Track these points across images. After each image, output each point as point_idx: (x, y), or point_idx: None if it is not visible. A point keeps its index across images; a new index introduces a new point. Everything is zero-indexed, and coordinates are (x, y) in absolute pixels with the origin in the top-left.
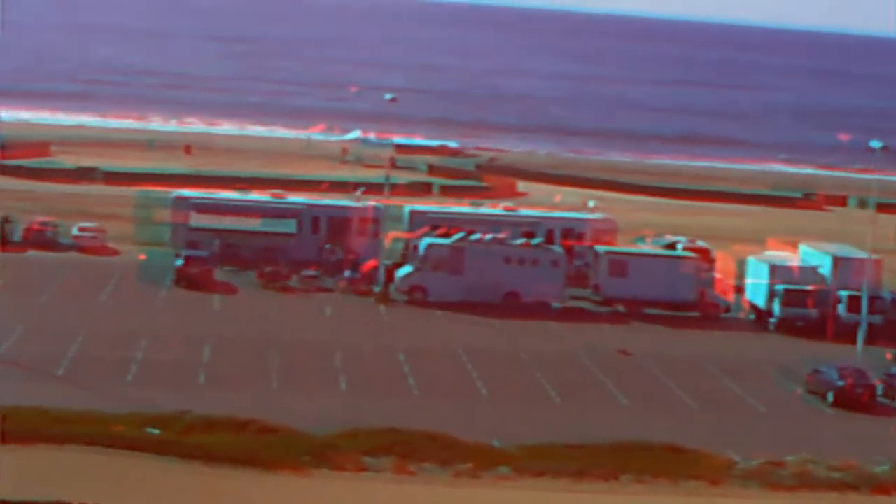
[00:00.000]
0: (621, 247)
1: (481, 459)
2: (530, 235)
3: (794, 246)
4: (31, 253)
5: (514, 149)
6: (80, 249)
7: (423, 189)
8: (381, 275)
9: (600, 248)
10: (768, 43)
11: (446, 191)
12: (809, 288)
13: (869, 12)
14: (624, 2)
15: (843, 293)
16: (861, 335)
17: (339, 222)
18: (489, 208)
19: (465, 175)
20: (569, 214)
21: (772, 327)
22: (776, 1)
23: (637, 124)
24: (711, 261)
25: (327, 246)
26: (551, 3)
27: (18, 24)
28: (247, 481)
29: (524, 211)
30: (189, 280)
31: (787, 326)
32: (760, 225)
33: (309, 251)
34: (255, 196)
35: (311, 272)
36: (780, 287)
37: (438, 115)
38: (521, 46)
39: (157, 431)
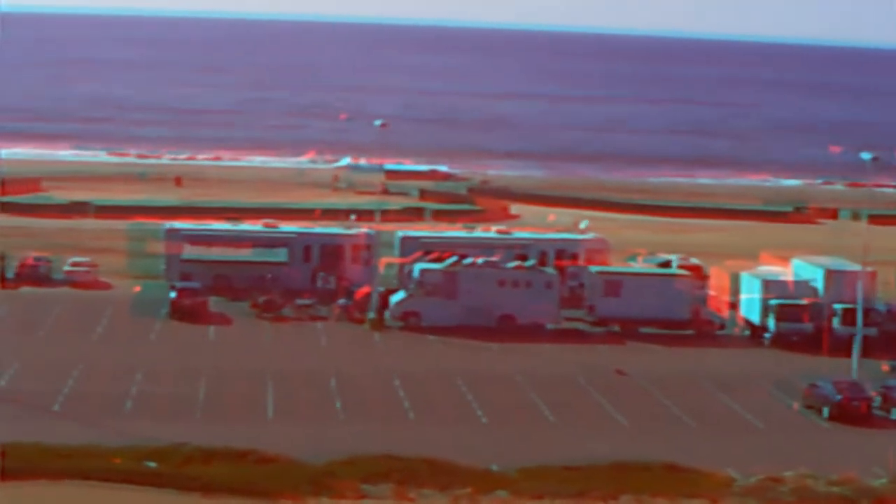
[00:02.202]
0: (614, 266)
1: (480, 484)
2: (523, 258)
3: (786, 260)
4: (25, 289)
5: (505, 171)
6: (74, 284)
7: (415, 214)
8: (375, 301)
9: (593, 268)
10: (759, 57)
11: (438, 215)
12: (803, 302)
13: (858, 24)
14: (606, 19)
15: (838, 306)
16: (856, 348)
17: (331, 250)
18: (482, 232)
19: (456, 199)
20: (561, 235)
21: (767, 342)
22: (766, 15)
23: (627, 146)
24: (705, 278)
25: (320, 274)
26: (534, 24)
27: (5, 61)
28: None
29: (517, 233)
30: (183, 312)
31: (782, 341)
32: (753, 240)
33: (302, 279)
34: (247, 226)
35: (305, 301)
36: (773, 302)
37: (429, 141)
38: (507, 69)
39: (154, 464)
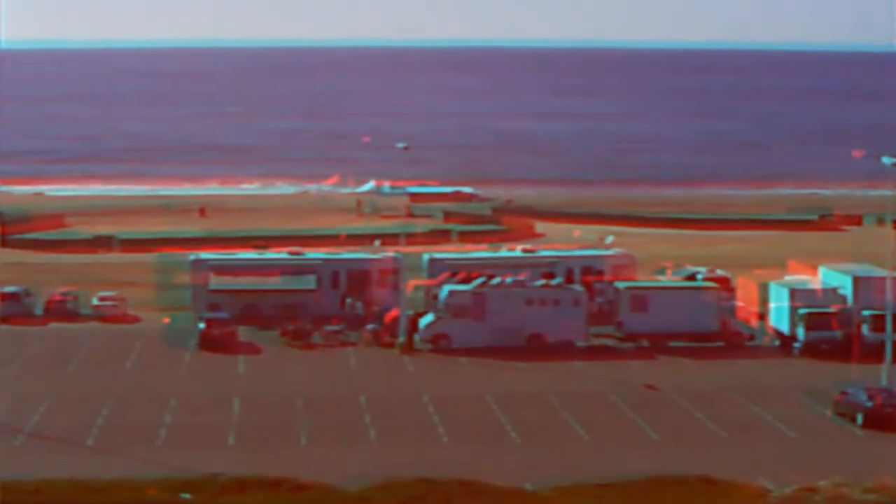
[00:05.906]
0: (641, 281)
1: (515, 503)
2: (550, 276)
3: (814, 268)
4: (53, 325)
5: (528, 190)
6: (102, 318)
7: (440, 236)
8: (404, 325)
9: (620, 284)
10: (770, 65)
11: (464, 236)
12: (832, 309)
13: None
14: (629, 33)
15: (867, 312)
16: (887, 354)
17: (358, 275)
18: (508, 251)
19: (481, 219)
20: (587, 252)
21: (797, 351)
22: (790, 22)
23: (647, 164)
24: (732, 289)
25: (348, 299)
26: (559, 41)
27: (25, 96)
28: None
29: (543, 251)
30: (212, 342)
31: (812, 349)
32: (779, 249)
33: (330, 306)
34: (273, 254)
35: (334, 327)
36: (802, 310)
37: (451, 162)
38: (522, 86)
39: (189, 495)
